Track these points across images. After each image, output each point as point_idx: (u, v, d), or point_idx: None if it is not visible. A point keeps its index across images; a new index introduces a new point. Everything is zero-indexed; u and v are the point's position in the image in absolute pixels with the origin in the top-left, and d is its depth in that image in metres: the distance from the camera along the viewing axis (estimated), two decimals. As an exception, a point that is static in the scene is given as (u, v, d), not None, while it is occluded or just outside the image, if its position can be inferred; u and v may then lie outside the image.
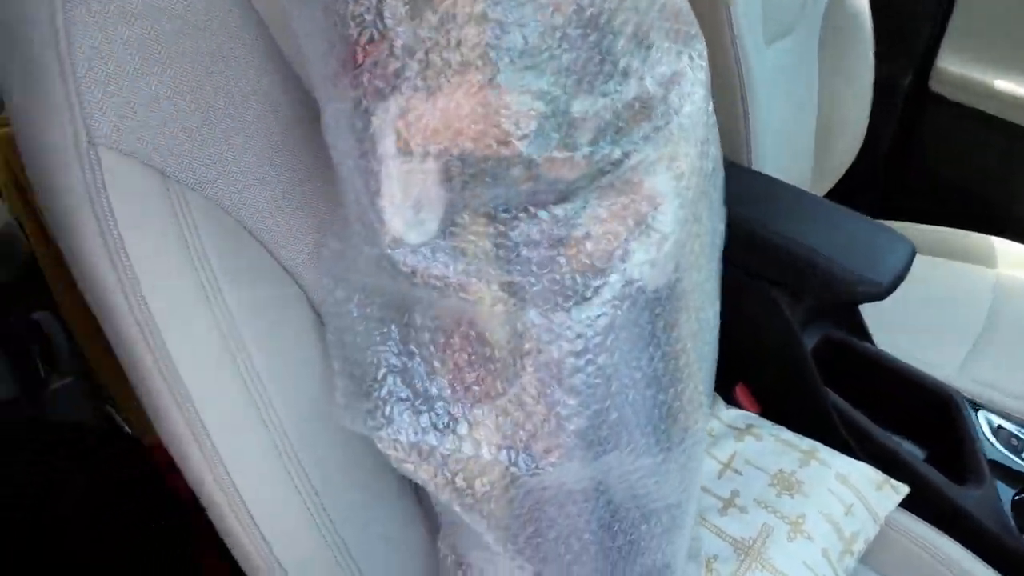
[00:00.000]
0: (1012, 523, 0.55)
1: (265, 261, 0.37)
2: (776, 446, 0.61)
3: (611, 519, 0.38)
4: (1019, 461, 0.60)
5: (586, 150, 0.30)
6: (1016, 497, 0.57)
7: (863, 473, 0.57)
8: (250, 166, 0.34)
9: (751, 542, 0.53)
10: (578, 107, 0.30)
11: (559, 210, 0.32)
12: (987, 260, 0.91)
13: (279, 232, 0.36)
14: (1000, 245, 0.91)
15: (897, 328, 0.75)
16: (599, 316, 0.31)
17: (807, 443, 0.60)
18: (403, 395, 0.36)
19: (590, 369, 0.31)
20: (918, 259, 0.70)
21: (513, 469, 0.32)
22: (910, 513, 0.56)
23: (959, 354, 0.76)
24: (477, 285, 0.32)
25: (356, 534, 0.39)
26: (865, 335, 0.72)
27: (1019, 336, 0.76)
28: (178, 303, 0.32)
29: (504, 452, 0.33)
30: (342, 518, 0.38)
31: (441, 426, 0.35)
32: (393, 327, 0.36)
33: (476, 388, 0.34)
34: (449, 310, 0.34)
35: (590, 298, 0.31)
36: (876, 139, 1.08)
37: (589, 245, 0.32)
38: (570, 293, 0.31)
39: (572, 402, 0.31)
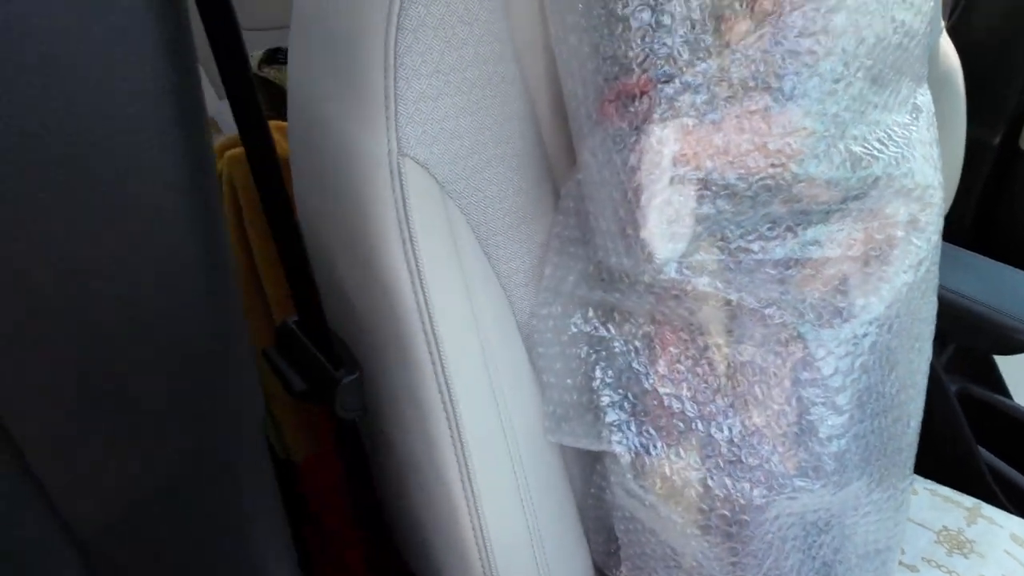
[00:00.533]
0: None
1: (491, 276, 0.38)
2: (934, 501, 0.58)
3: (833, 558, 0.36)
4: None
5: (854, 173, 0.31)
6: None
7: (1040, 534, 0.54)
8: (495, 184, 0.36)
9: (923, 605, 0.50)
10: (847, 135, 0.31)
11: (815, 231, 0.32)
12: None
13: (506, 249, 0.38)
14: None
15: (1030, 384, 0.73)
16: (865, 335, 0.31)
17: (969, 500, 0.57)
18: (626, 407, 0.36)
19: (855, 388, 0.31)
20: None
21: (761, 491, 0.32)
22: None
23: (1102, 415, 0.72)
24: (733, 299, 0.32)
25: (556, 556, 0.38)
26: (1004, 391, 0.70)
27: None
28: (449, 304, 0.33)
29: (753, 472, 0.32)
30: (543, 519, 0.37)
31: (672, 440, 0.35)
32: (617, 342, 0.37)
33: (711, 404, 0.34)
34: (683, 325, 0.34)
35: (855, 316, 0.31)
36: (968, 193, 1.08)
37: (838, 267, 0.33)
38: (838, 310, 0.31)
39: (837, 422, 0.30)
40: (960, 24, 1.08)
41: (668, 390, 0.35)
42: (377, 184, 0.31)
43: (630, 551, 0.43)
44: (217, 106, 1.02)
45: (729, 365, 0.34)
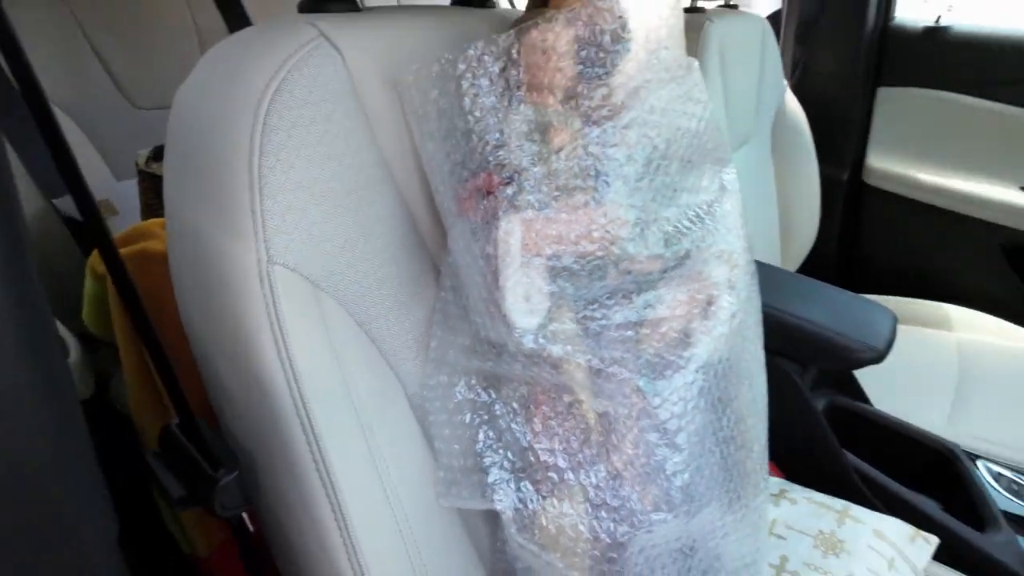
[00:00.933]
0: (1033, 564, 0.61)
1: (374, 356, 0.41)
2: (811, 508, 0.65)
3: (703, 579, 0.41)
4: (1021, 503, 0.67)
5: (667, 249, 0.38)
6: (1029, 538, 0.63)
7: (896, 527, 0.62)
8: (371, 274, 0.40)
9: (810, 607, 0.56)
10: (660, 216, 0.38)
11: (646, 297, 0.39)
12: (945, 325, 1.04)
13: (390, 330, 0.42)
14: (955, 312, 1.05)
15: (886, 391, 0.84)
16: (693, 382, 0.37)
17: (839, 503, 0.65)
18: (505, 466, 0.40)
19: (690, 428, 0.36)
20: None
21: (624, 529, 0.36)
22: (941, 564, 0.60)
23: (944, 411, 0.85)
24: (581, 362, 0.38)
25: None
26: (864, 399, 0.80)
27: (994, 392, 0.86)
28: (326, 397, 0.36)
29: (616, 512, 0.36)
30: None
31: (546, 492, 0.39)
32: (497, 405, 0.41)
33: (580, 454, 0.38)
34: (550, 386, 0.39)
35: (683, 367, 0.37)
36: (828, 226, 1.25)
37: (671, 325, 0.39)
38: (665, 364, 0.37)
39: (678, 459, 0.36)
40: (800, 84, 1.27)
41: (543, 445, 0.39)
42: (248, 290, 0.34)
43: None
44: (115, 188, 1.01)
45: (592, 418, 0.39)
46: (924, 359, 0.96)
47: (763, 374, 0.47)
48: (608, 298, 0.38)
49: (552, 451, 0.38)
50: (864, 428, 0.77)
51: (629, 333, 0.39)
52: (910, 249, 1.25)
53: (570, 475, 0.38)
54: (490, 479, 0.38)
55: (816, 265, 1.23)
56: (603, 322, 0.38)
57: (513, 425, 0.40)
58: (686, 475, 0.36)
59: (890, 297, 1.13)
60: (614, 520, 0.36)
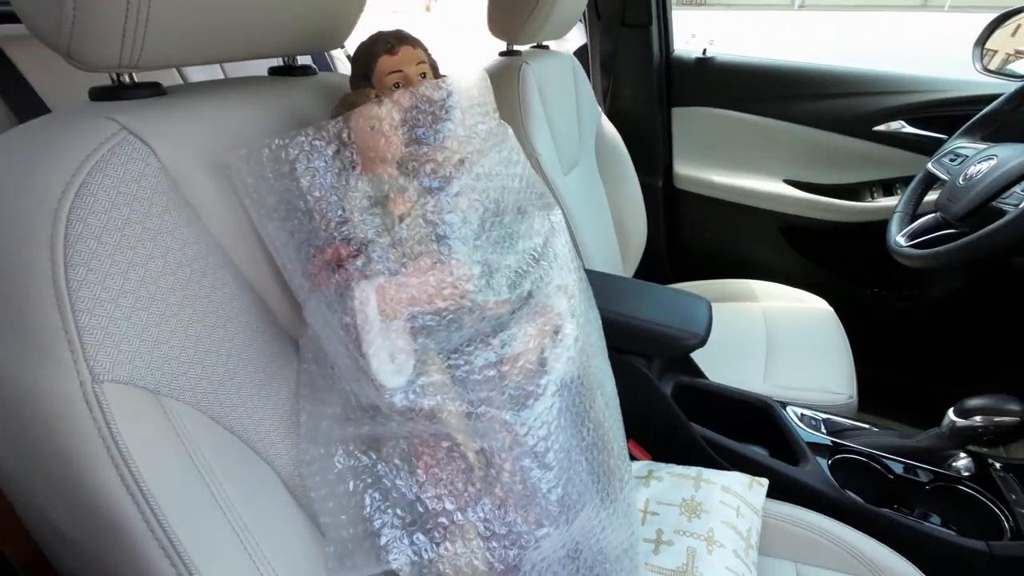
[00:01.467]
0: (834, 482, 0.77)
1: (238, 448, 0.40)
2: (673, 481, 0.76)
3: (589, 573, 0.47)
4: (821, 435, 0.85)
5: (512, 292, 0.43)
6: (830, 463, 0.80)
7: (737, 480, 0.74)
8: (221, 366, 0.39)
9: (684, 568, 0.65)
10: (502, 264, 0.43)
11: (501, 337, 0.43)
12: (751, 297, 1.26)
13: (251, 417, 0.41)
14: (757, 285, 1.27)
15: (715, 364, 1.00)
16: (552, 405, 0.42)
17: (693, 470, 0.76)
18: (396, 523, 0.42)
19: (556, 447, 0.41)
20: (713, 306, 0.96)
21: (514, 552, 0.40)
22: (773, 499, 0.74)
23: (759, 371, 1.03)
24: (452, 409, 0.41)
25: None
26: (701, 374, 0.95)
27: (793, 348, 1.07)
28: (188, 508, 0.34)
29: (504, 538, 0.40)
30: None
31: (439, 538, 0.41)
32: (379, 465, 0.43)
33: (465, 493, 0.42)
34: (428, 436, 0.42)
35: (541, 395, 0.42)
36: (654, 227, 1.44)
37: (527, 357, 0.44)
38: (526, 395, 0.42)
39: (550, 476, 0.41)
40: (612, 109, 1.45)
41: (430, 494, 0.42)
42: (74, 419, 0.31)
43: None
44: None
45: (472, 457, 0.42)
46: (739, 329, 1.15)
47: (611, 381, 0.54)
48: (468, 345, 0.42)
49: (439, 497, 0.41)
50: (704, 399, 0.91)
51: (492, 372, 0.43)
52: (717, 238, 1.49)
53: (459, 516, 0.41)
54: (382, 541, 0.39)
55: (650, 260, 1.41)
56: (467, 367, 0.42)
57: (398, 481, 0.42)
58: (559, 489, 0.41)
59: (709, 281, 1.33)
60: (504, 546, 0.40)
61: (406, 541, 0.40)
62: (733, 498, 0.72)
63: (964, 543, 0.69)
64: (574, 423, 0.45)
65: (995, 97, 0.97)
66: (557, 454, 0.42)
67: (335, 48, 0.49)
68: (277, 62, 0.54)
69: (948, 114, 1.13)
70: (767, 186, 1.37)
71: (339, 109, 0.45)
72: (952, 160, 0.95)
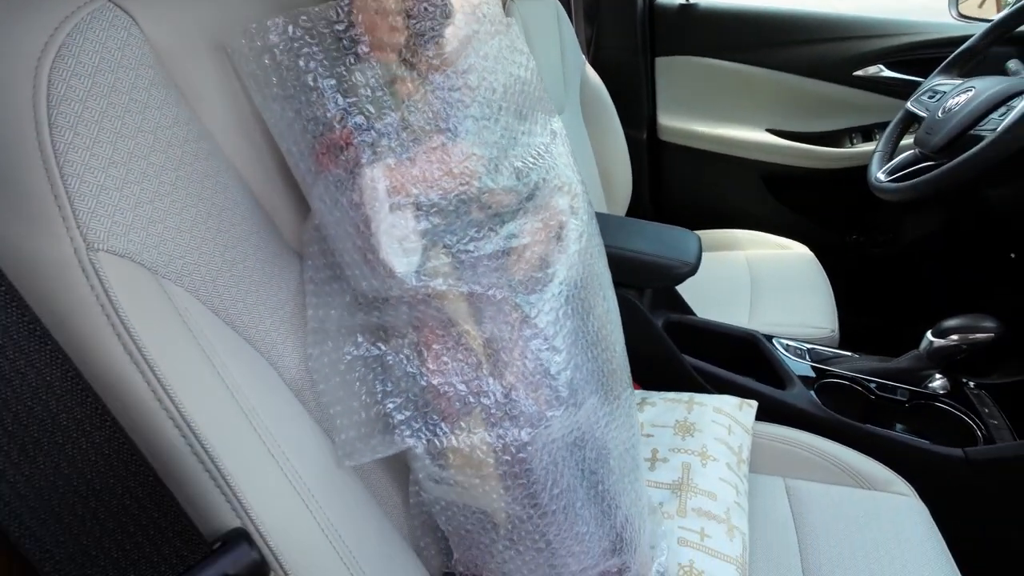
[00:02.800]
0: (819, 402, 0.81)
1: (240, 344, 0.40)
2: (666, 405, 0.78)
3: (595, 464, 0.48)
4: (806, 363, 0.89)
5: (521, 182, 0.44)
6: (816, 387, 0.84)
7: (727, 401, 0.78)
8: (218, 256, 0.38)
9: (680, 480, 0.68)
10: (510, 153, 0.44)
11: (509, 227, 0.44)
12: (736, 246, 1.30)
13: (252, 314, 0.40)
14: (740, 234, 1.31)
15: (703, 304, 1.03)
16: (559, 292, 0.43)
17: (685, 395, 0.79)
18: (409, 406, 0.43)
19: (564, 331, 0.43)
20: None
21: (527, 431, 0.41)
22: (763, 422, 0.78)
23: (745, 310, 1.07)
24: (464, 291, 0.42)
25: (375, 565, 0.41)
26: (689, 311, 0.97)
27: (777, 290, 1.11)
28: (193, 382, 0.34)
29: (518, 419, 0.42)
30: (360, 552, 0.40)
31: (451, 420, 0.42)
32: (388, 356, 0.43)
33: (476, 380, 0.43)
34: (437, 324, 0.43)
35: (549, 282, 0.43)
36: (639, 178, 1.46)
37: (533, 250, 0.45)
38: (535, 282, 0.43)
39: (559, 358, 0.42)
40: (595, 58, 1.45)
41: (440, 380, 0.42)
42: (70, 288, 0.30)
43: (456, 538, 0.49)
44: None
45: (481, 343, 0.43)
46: (725, 275, 1.19)
47: (612, 288, 0.56)
48: (476, 232, 0.42)
49: (450, 383, 0.42)
50: (693, 334, 0.94)
51: (501, 261, 0.44)
52: (701, 189, 1.52)
53: (471, 399, 0.42)
54: (397, 419, 0.40)
55: (636, 212, 1.43)
56: (475, 254, 0.42)
57: (409, 369, 0.43)
58: (567, 372, 0.43)
59: (694, 231, 1.36)
60: (517, 426, 0.41)
61: (419, 422, 0.41)
62: (725, 417, 0.75)
63: (941, 450, 0.74)
64: (579, 316, 0.47)
65: (970, 38, 1.00)
66: (566, 338, 0.43)
67: None
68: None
69: (925, 56, 1.17)
70: (750, 135, 1.40)
71: None
72: (931, 97, 0.99)
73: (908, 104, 1.03)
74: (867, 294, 1.34)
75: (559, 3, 1.21)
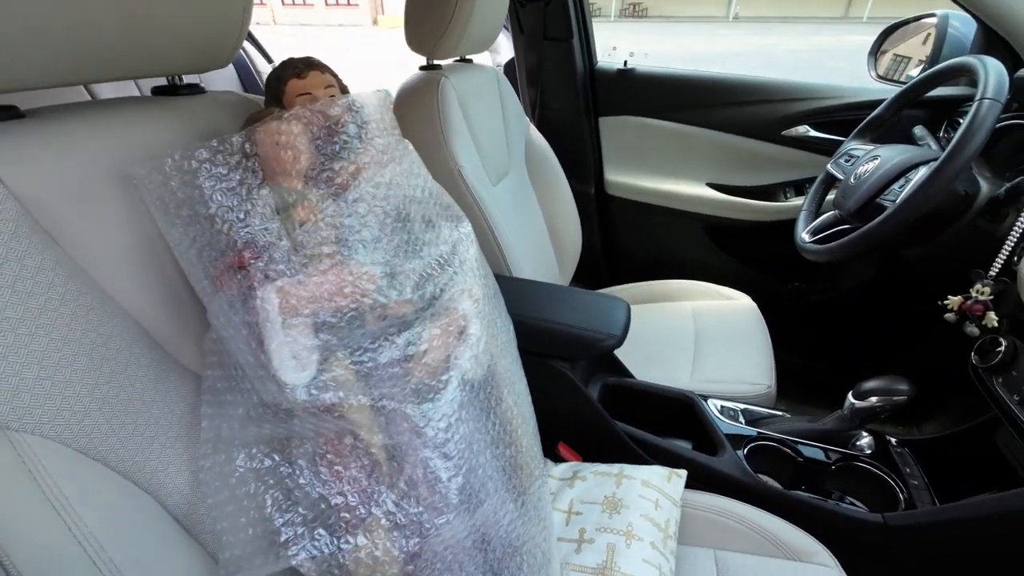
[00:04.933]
0: (748, 468, 0.84)
1: (114, 481, 0.40)
2: (596, 480, 0.81)
3: (501, 564, 0.51)
4: (739, 425, 0.93)
5: (415, 293, 0.47)
6: (745, 451, 0.88)
7: (656, 473, 0.80)
8: (87, 393, 0.39)
9: (604, 564, 0.69)
10: (406, 267, 0.47)
11: (406, 336, 0.47)
12: (683, 296, 1.35)
13: (124, 449, 0.41)
14: (688, 285, 1.36)
15: (645, 363, 1.07)
16: (452, 399, 0.46)
17: (616, 467, 0.82)
18: (297, 520, 0.44)
19: (456, 437, 0.45)
20: (640, 307, 1.01)
21: (415, 541, 0.43)
22: (692, 489, 0.80)
23: (688, 366, 1.11)
24: (354, 404, 0.44)
25: None
26: (627, 373, 1.01)
27: (719, 343, 1.16)
28: (34, 535, 0.34)
29: (406, 528, 0.44)
30: None
31: (341, 532, 0.44)
32: (282, 467, 0.45)
33: (369, 488, 0.45)
34: (332, 434, 0.45)
35: (443, 389, 0.46)
36: (589, 233, 1.52)
37: (432, 355, 0.48)
38: (429, 389, 0.46)
39: (449, 464, 0.45)
40: (541, 120, 1.52)
41: (334, 490, 0.44)
42: None
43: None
44: None
45: (376, 452, 0.46)
46: (670, 328, 1.23)
47: (522, 382, 0.59)
48: (372, 342, 0.45)
49: (343, 493, 0.44)
50: (630, 398, 0.98)
51: (397, 370, 0.46)
52: (649, 241, 1.59)
53: (362, 509, 0.44)
54: (283, 538, 0.42)
55: (587, 265, 1.48)
56: (372, 364, 0.45)
57: (301, 480, 0.45)
58: (459, 478, 0.45)
59: (644, 283, 1.42)
60: (405, 536, 0.43)
61: (307, 537, 0.42)
62: (652, 491, 0.78)
63: (862, 516, 0.77)
64: (479, 417, 0.50)
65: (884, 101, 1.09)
66: (458, 444, 0.46)
67: (219, 67, 0.51)
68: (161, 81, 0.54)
69: (846, 118, 1.27)
70: (692, 190, 1.47)
71: (244, 124, 0.48)
72: (846, 161, 1.07)
73: (828, 166, 1.11)
74: (805, 339, 1.40)
75: (498, 70, 1.27)
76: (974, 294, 0.75)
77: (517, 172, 1.30)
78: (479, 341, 0.51)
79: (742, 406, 0.98)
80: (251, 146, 0.44)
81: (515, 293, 0.94)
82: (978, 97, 0.78)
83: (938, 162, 0.80)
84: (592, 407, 0.88)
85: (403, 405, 0.44)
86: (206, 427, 0.44)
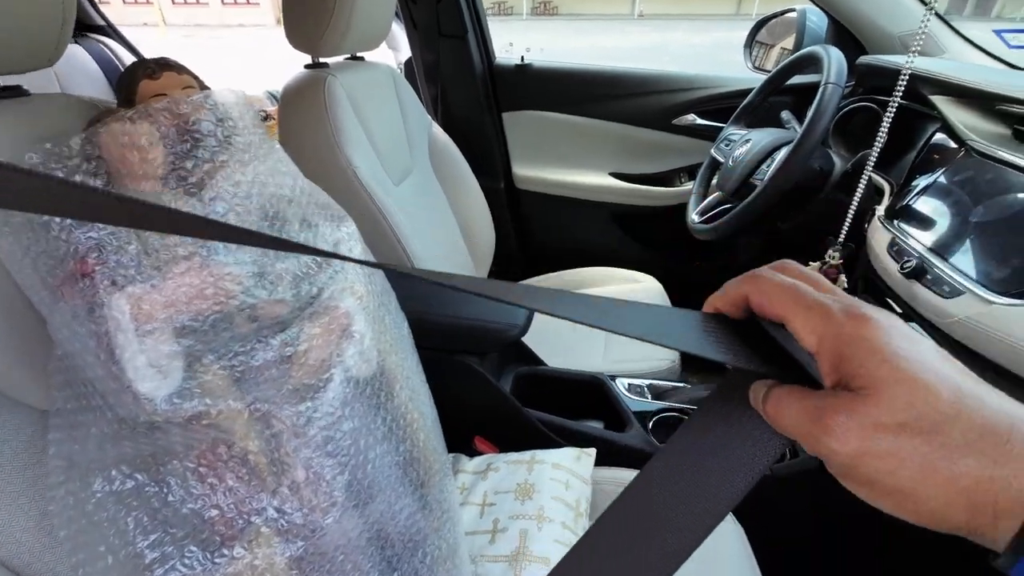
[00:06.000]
0: (654, 440, 0.89)
1: None
2: (509, 468, 0.82)
3: (398, 560, 0.51)
4: (645, 400, 0.98)
5: (288, 293, 0.46)
6: (651, 424, 0.93)
7: (566, 454, 0.83)
8: None
9: (517, 550, 0.71)
10: (277, 267, 0.46)
11: (283, 336, 0.46)
12: (593, 283, 1.40)
13: None
14: (598, 272, 1.42)
15: (559, 348, 1.10)
16: (334, 397, 0.46)
17: (527, 454, 0.84)
18: (166, 540, 0.43)
19: (339, 435, 0.45)
20: None
21: (299, 544, 0.43)
22: (603, 467, 0.84)
23: (600, 349, 1.15)
24: (224, 410, 0.43)
25: None
26: (539, 362, 1.04)
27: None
28: None
29: (289, 533, 0.43)
30: None
31: (217, 546, 0.43)
32: (147, 487, 0.43)
33: (248, 496, 0.44)
34: (205, 445, 0.44)
35: (324, 387, 0.46)
36: (502, 228, 1.54)
37: (313, 355, 0.47)
38: (309, 389, 0.45)
39: (332, 462, 0.44)
40: (443, 117, 1.53)
41: (207, 503, 0.43)
42: None
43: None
44: None
45: (253, 458, 0.45)
46: (581, 318, 1.27)
47: (418, 376, 0.59)
48: (243, 345, 0.44)
49: (218, 506, 0.42)
50: (542, 385, 1.00)
51: (274, 371, 0.45)
52: (561, 233, 1.64)
53: (240, 520, 0.43)
54: (147, 560, 0.40)
55: (502, 259, 1.50)
56: (243, 367, 0.44)
57: (171, 499, 0.43)
58: (345, 475, 0.45)
59: (556, 273, 1.46)
60: (288, 540, 0.42)
61: (176, 556, 0.41)
62: (563, 472, 0.80)
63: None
64: (367, 414, 0.49)
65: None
66: (342, 442, 0.46)
67: (40, 68, 0.48)
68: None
69: (727, 106, 1.36)
70: (597, 180, 1.53)
71: (87, 126, 0.46)
72: (726, 145, 1.15)
73: (712, 151, 1.19)
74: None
75: (394, 68, 1.26)
76: (828, 260, 0.83)
77: (422, 171, 1.29)
78: (364, 338, 0.51)
79: (648, 382, 1.03)
80: (93, 148, 0.42)
81: (418, 291, 0.95)
82: (823, 82, 0.86)
83: (793, 143, 0.89)
84: (503, 398, 0.90)
85: (281, 407, 0.44)
86: (53, 454, 0.41)
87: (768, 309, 0.25)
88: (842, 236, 0.80)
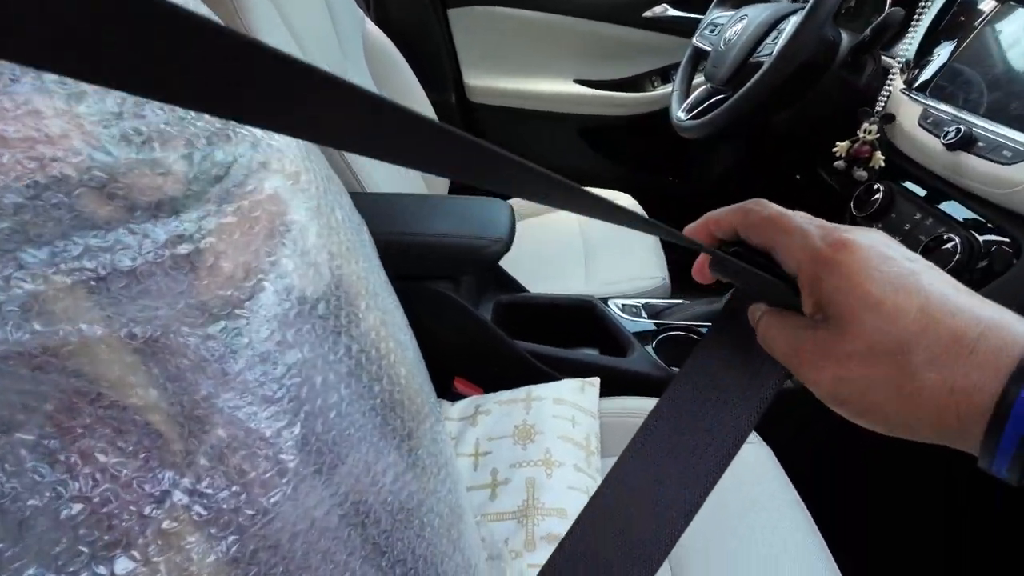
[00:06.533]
0: (660, 362, 0.78)
1: None
2: (503, 409, 0.69)
3: (387, 538, 0.36)
4: (643, 320, 0.86)
5: (181, 162, 0.29)
6: (654, 345, 0.82)
7: (568, 387, 0.71)
8: None
9: (525, 503, 0.59)
10: (157, 119, 0.28)
11: (175, 225, 0.29)
12: (566, 208, 1.26)
13: None
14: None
15: (537, 277, 0.97)
16: (267, 314, 0.30)
17: (522, 391, 0.71)
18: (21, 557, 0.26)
19: (280, 371, 0.29)
20: (523, 223, 0.89)
21: (232, 539, 0.28)
22: (607, 397, 0.72)
23: (581, 273, 1.02)
24: (76, 340, 0.26)
25: None
26: (521, 289, 0.89)
27: (607, 245, 1.09)
28: None
29: (212, 524, 0.28)
30: None
31: (80, 564, 0.27)
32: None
33: (148, 475, 0.28)
34: (56, 396, 0.27)
35: (248, 300, 0.29)
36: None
37: (227, 257, 0.31)
38: (225, 303, 0.29)
39: (272, 411, 0.29)
40: (380, 17, 1.30)
41: (64, 497, 0.26)
42: None
43: None
44: None
45: (149, 415, 0.28)
46: (557, 238, 1.14)
47: (390, 293, 0.43)
48: (98, 237, 0.27)
49: (85, 497, 0.26)
50: (528, 313, 0.87)
51: (161, 280, 0.28)
52: (521, 150, 1.45)
53: (125, 516, 0.27)
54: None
55: (459, 183, 1.33)
56: (105, 273, 0.27)
57: (38, 476, 0.26)
58: (295, 428, 0.29)
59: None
60: (211, 536, 0.27)
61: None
62: (567, 408, 0.68)
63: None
64: (322, 341, 0.34)
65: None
66: (284, 381, 0.30)
67: None
68: None
69: (704, -7, 1.21)
70: (559, 88, 1.37)
71: None
72: (712, 31, 1.01)
73: (694, 40, 1.05)
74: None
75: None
76: (861, 135, 0.72)
77: (358, 74, 1.08)
78: (306, 233, 0.35)
79: (642, 301, 0.92)
80: None
81: (372, 210, 0.77)
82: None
83: (809, 4, 0.76)
84: (486, 329, 0.75)
85: (177, 331, 0.27)
86: None
87: (755, 236, 0.27)
88: (880, 105, 0.69)
